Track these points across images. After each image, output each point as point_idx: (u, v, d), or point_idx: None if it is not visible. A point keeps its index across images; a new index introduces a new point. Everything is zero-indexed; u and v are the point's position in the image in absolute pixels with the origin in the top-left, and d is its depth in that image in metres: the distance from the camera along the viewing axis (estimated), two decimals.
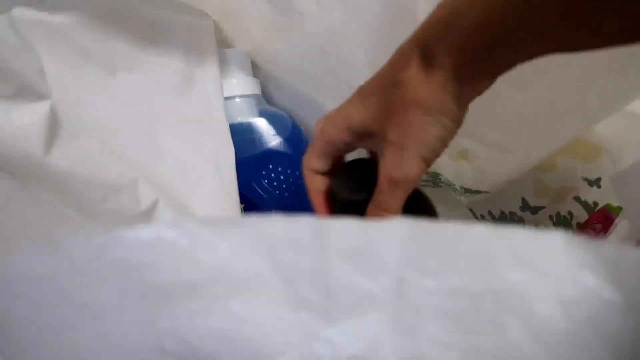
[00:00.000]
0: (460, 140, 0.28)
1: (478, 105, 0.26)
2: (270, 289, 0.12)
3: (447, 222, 0.12)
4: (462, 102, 0.17)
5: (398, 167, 0.18)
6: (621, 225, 0.27)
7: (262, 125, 0.33)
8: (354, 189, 0.20)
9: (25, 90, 0.17)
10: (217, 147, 0.26)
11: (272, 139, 0.33)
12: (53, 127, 0.18)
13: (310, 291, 0.12)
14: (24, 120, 0.17)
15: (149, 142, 0.23)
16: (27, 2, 0.21)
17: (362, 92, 0.19)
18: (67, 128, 0.19)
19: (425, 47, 0.17)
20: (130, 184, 0.20)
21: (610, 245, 0.11)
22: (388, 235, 0.12)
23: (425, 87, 0.17)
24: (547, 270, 0.11)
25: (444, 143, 0.18)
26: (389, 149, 0.18)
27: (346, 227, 0.12)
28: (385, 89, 0.18)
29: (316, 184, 0.21)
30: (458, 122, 0.18)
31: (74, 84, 0.20)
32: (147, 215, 0.20)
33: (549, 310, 0.11)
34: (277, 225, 0.12)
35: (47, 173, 0.17)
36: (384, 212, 0.18)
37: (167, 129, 0.24)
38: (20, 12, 0.20)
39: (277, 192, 0.33)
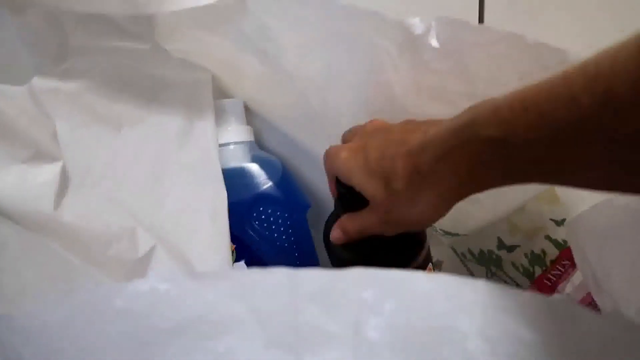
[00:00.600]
0: None
1: None
2: (247, 330, 0.14)
3: (393, 270, 0.14)
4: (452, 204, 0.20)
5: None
6: None
7: (254, 170, 0.36)
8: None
9: (40, 154, 0.20)
10: (212, 194, 0.29)
11: (263, 183, 0.35)
12: (63, 185, 0.20)
13: (282, 331, 0.14)
14: (38, 180, 0.19)
15: (150, 191, 0.25)
16: (44, 70, 0.24)
17: (368, 161, 0.22)
18: (75, 184, 0.21)
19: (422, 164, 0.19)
20: (130, 232, 0.23)
21: (526, 293, 0.14)
22: (347, 281, 0.14)
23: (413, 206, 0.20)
24: (474, 312, 0.14)
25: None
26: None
27: (313, 276, 0.15)
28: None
29: None
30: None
31: (83, 144, 0.23)
32: (145, 261, 0.23)
33: (479, 345, 0.13)
34: (254, 276, 0.14)
35: (56, 226, 0.19)
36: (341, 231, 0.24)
37: (167, 179, 0.27)
38: (39, 82, 0.23)
39: (267, 233, 0.35)
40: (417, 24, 0.23)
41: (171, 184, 0.27)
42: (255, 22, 0.26)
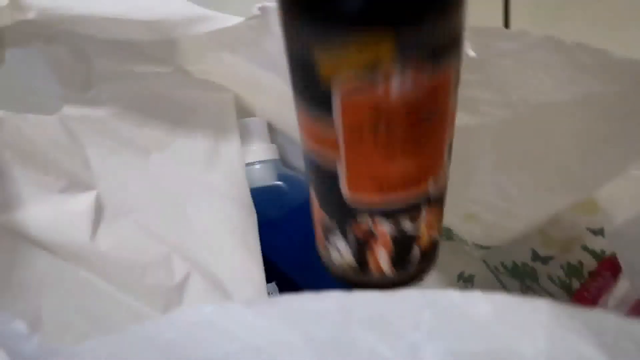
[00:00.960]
0: (466, 205, 0.30)
1: (482, 174, 0.28)
2: (302, 358, 0.14)
3: (454, 291, 0.14)
4: None
5: None
6: None
7: (281, 188, 0.35)
8: None
9: (74, 184, 0.20)
10: (241, 216, 0.28)
11: (290, 202, 0.35)
12: (98, 214, 0.20)
13: (338, 358, 0.14)
14: (74, 210, 0.19)
15: (180, 217, 0.25)
16: (72, 99, 0.24)
17: None
18: (109, 213, 0.21)
19: None
20: (165, 260, 0.22)
21: (595, 313, 0.13)
22: (403, 304, 0.14)
23: None
24: (538, 333, 0.13)
25: None
26: None
27: (367, 299, 0.14)
28: None
29: None
30: None
31: (114, 171, 0.23)
32: (181, 287, 0.22)
33: None
34: (306, 302, 0.14)
35: (93, 256, 0.19)
36: None
37: (196, 203, 0.26)
38: (69, 110, 0.23)
39: (297, 251, 0.35)
40: None
41: (201, 208, 0.27)
42: (278, 43, 0.26)
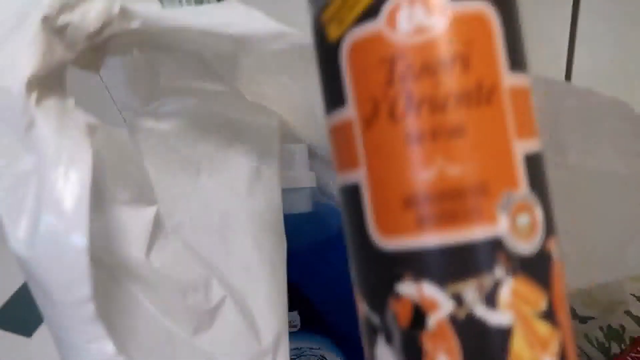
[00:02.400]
0: None
1: None
2: None
3: None
4: None
5: None
6: None
7: (315, 217, 0.35)
8: None
9: (140, 197, 0.20)
10: (273, 247, 0.28)
11: (323, 231, 0.35)
12: (155, 230, 0.20)
13: None
14: (137, 224, 0.19)
15: (220, 240, 0.25)
16: (139, 111, 0.24)
17: None
18: (163, 229, 0.21)
19: None
20: (205, 281, 0.22)
21: None
22: None
23: None
24: None
25: None
26: None
27: None
28: None
29: None
30: None
31: (169, 188, 0.23)
32: (214, 312, 0.22)
33: None
34: None
35: (147, 273, 0.19)
36: None
37: (235, 228, 0.26)
38: (137, 121, 0.23)
39: (324, 281, 0.34)
40: None
41: (238, 233, 0.26)
42: None
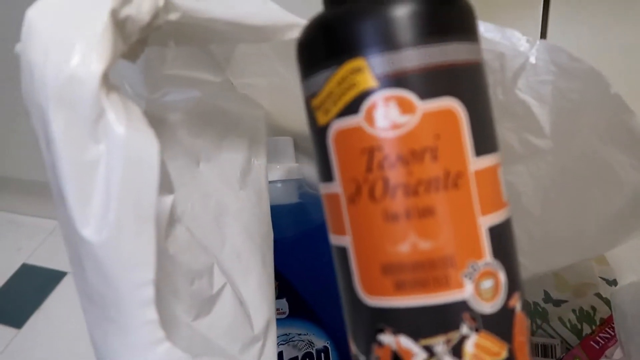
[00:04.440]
0: None
1: None
2: None
3: None
4: None
5: None
6: None
7: (301, 208, 0.36)
8: None
9: (161, 185, 0.21)
10: (262, 237, 0.29)
11: (309, 221, 0.36)
12: (172, 219, 0.21)
13: None
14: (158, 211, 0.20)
15: (217, 229, 0.26)
16: (147, 101, 0.25)
17: None
18: (175, 218, 0.22)
19: None
20: (208, 269, 0.23)
21: None
22: None
23: None
24: None
25: None
26: None
27: None
28: None
29: None
30: None
31: (175, 177, 0.24)
32: (215, 298, 0.23)
33: None
34: None
35: (163, 259, 0.20)
36: None
37: (229, 218, 0.27)
38: (149, 110, 0.23)
39: (310, 271, 0.35)
40: (522, 39, 0.22)
41: (231, 223, 0.27)
42: None
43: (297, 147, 0.38)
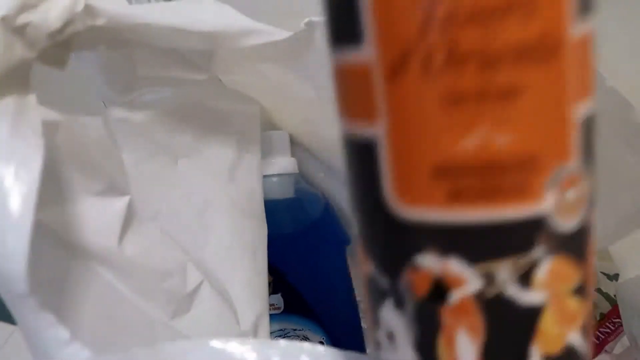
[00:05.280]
0: None
1: None
2: None
3: None
4: None
5: None
6: None
7: (297, 203, 0.36)
8: None
9: (111, 187, 0.21)
10: (253, 232, 0.29)
11: (305, 217, 0.36)
12: (128, 219, 0.21)
13: None
14: (107, 213, 0.20)
15: (199, 226, 0.26)
16: (115, 101, 0.25)
17: None
18: (138, 217, 0.22)
19: None
20: (181, 267, 0.23)
21: None
22: None
23: None
24: None
25: None
26: None
27: None
28: None
29: None
30: None
31: (144, 176, 0.23)
32: (192, 296, 0.23)
33: None
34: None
35: (119, 260, 0.20)
36: None
37: (214, 214, 0.27)
38: (113, 112, 0.23)
39: (306, 267, 0.35)
40: None
41: (217, 219, 0.27)
42: (321, 57, 0.27)
43: (293, 142, 0.38)
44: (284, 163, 0.36)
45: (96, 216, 0.19)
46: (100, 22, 0.17)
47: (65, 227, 0.18)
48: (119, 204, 0.19)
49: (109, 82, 0.24)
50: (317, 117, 0.33)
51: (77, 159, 0.19)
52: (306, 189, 0.37)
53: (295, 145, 0.38)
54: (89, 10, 0.17)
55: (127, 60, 0.23)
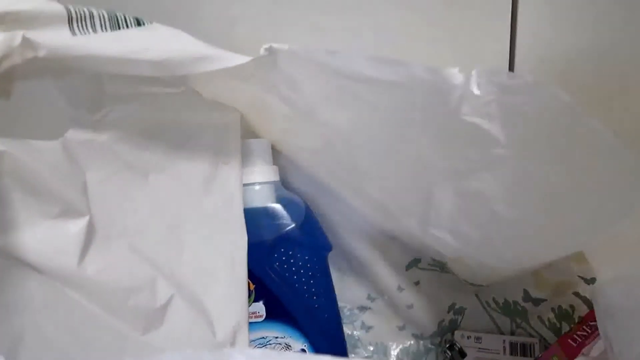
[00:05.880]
0: (454, 249, 0.30)
1: (471, 223, 0.28)
2: None
3: None
4: None
5: None
6: None
7: (278, 210, 0.36)
8: None
9: (68, 210, 0.21)
10: (232, 241, 0.29)
11: (286, 224, 0.36)
12: (88, 239, 0.21)
13: None
14: (65, 235, 0.20)
15: (172, 240, 0.26)
16: (80, 121, 0.25)
17: None
18: (100, 236, 0.22)
19: None
20: (150, 282, 0.23)
21: None
22: None
23: None
24: None
25: None
26: None
27: None
28: None
29: None
30: None
31: (111, 193, 0.24)
32: (163, 310, 0.23)
33: None
34: None
35: (80, 280, 0.20)
36: None
37: (189, 227, 0.27)
38: (73, 134, 0.23)
39: (287, 274, 0.35)
40: (455, 74, 0.22)
41: (193, 232, 0.27)
42: (285, 76, 0.27)
43: (274, 150, 0.38)
44: (265, 171, 0.36)
45: (53, 238, 0.20)
46: (41, 54, 0.17)
47: (24, 250, 0.19)
48: (77, 224, 0.19)
49: (73, 102, 0.24)
50: (294, 129, 0.33)
51: (30, 184, 0.19)
52: (287, 196, 0.37)
53: (276, 152, 0.38)
54: (27, 43, 0.17)
55: (94, 78, 0.23)
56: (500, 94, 0.22)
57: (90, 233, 0.21)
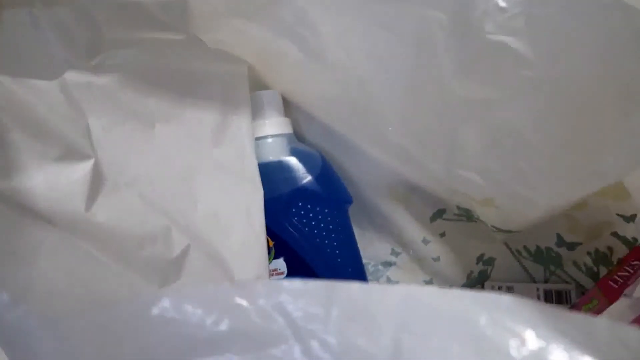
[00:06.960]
0: (483, 190, 0.28)
1: (501, 159, 0.26)
2: (287, 345, 0.13)
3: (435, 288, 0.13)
4: None
5: None
6: None
7: (293, 163, 0.34)
8: None
9: (71, 152, 0.19)
10: (247, 193, 0.28)
11: (302, 177, 0.34)
12: (95, 184, 0.20)
13: (321, 350, 0.13)
14: (69, 179, 0.19)
15: (184, 190, 0.24)
16: (77, 65, 0.23)
17: None
18: (109, 183, 0.21)
19: None
20: (164, 232, 0.22)
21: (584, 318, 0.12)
22: (388, 299, 0.13)
23: None
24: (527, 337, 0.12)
25: None
26: None
27: (353, 292, 0.13)
28: None
29: None
30: None
31: (116, 141, 0.22)
32: (179, 261, 0.22)
33: None
34: (293, 288, 0.13)
35: (89, 226, 0.19)
36: None
37: (201, 177, 0.26)
38: (71, 76, 0.22)
39: (307, 229, 0.34)
40: None
41: (205, 183, 0.26)
42: (294, 9, 0.25)
43: (285, 101, 0.36)
44: (277, 123, 0.35)
45: (57, 181, 0.18)
46: None
47: (26, 194, 0.17)
48: (82, 168, 0.18)
49: (69, 45, 0.22)
50: (306, 75, 0.31)
51: (27, 123, 0.18)
52: (302, 149, 0.35)
53: (288, 105, 0.36)
54: None
55: (89, 22, 0.22)
56: (528, 5, 0.20)
57: (96, 178, 0.19)
